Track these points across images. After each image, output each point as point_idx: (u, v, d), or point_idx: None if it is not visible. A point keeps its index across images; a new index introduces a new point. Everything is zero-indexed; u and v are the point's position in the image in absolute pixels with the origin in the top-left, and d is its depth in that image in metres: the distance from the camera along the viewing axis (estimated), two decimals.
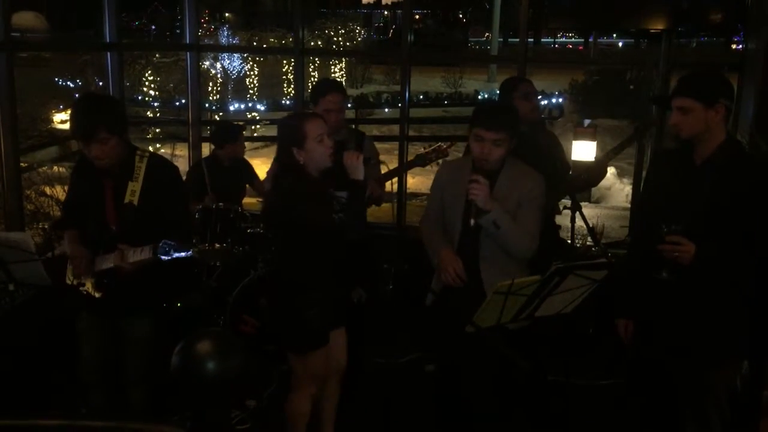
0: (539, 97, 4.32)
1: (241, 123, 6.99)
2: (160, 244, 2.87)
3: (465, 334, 2.70)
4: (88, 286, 3.08)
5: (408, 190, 6.13)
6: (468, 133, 3.13)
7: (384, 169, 4.10)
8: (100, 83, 8.63)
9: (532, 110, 3.92)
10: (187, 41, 5.90)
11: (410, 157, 4.76)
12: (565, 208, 4.35)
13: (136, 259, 2.92)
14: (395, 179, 4.55)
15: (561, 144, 4.25)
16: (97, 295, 3.06)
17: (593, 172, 4.07)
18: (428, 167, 4.42)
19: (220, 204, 4.52)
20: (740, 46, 6.87)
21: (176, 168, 3.31)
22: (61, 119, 9.96)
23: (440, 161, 4.10)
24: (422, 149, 4.36)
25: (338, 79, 19.52)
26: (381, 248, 5.16)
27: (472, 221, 2.99)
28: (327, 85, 4.09)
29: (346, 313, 3.32)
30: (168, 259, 2.89)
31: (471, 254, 3.11)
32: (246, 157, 5.22)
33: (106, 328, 3.20)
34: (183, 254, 2.90)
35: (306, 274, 3.13)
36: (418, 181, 9.58)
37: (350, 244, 3.26)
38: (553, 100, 15.48)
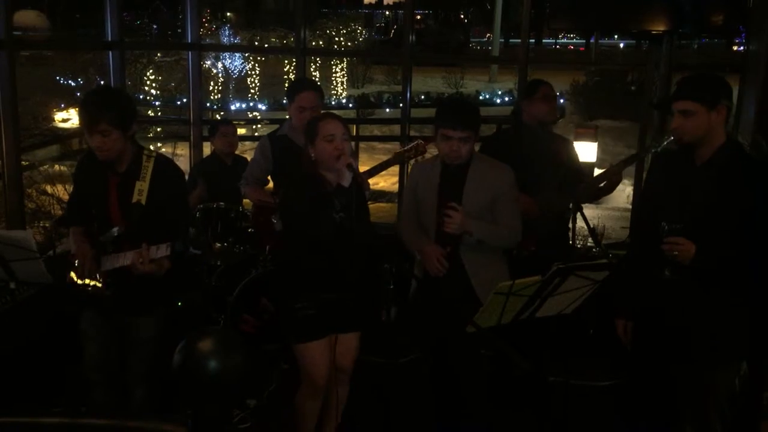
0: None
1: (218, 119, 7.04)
2: (178, 242, 2.87)
3: (455, 326, 2.74)
4: (95, 285, 3.07)
5: None
6: (434, 133, 3.27)
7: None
8: (102, 82, 8.63)
9: (549, 112, 3.97)
10: (189, 40, 5.91)
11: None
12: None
13: (155, 257, 2.92)
14: (393, 180, 4.55)
15: (571, 149, 4.19)
16: (107, 293, 3.05)
17: (608, 182, 3.94)
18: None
19: (221, 203, 4.53)
20: (741, 48, 6.86)
21: (180, 169, 3.33)
22: (63, 118, 9.97)
23: (418, 158, 4.12)
24: (402, 147, 4.38)
25: (339, 79, 19.66)
26: (381, 248, 5.15)
27: (448, 248, 3.18)
28: (302, 83, 4.16)
29: (360, 319, 3.30)
30: (183, 257, 2.89)
31: (449, 244, 3.24)
32: (247, 156, 5.24)
33: (111, 327, 3.20)
34: (198, 251, 2.91)
35: (301, 270, 3.16)
36: None
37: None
38: None
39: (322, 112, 3.58)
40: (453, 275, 3.23)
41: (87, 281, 3.08)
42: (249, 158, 5.24)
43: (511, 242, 3.30)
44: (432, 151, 4.16)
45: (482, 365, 3.28)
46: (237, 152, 5.25)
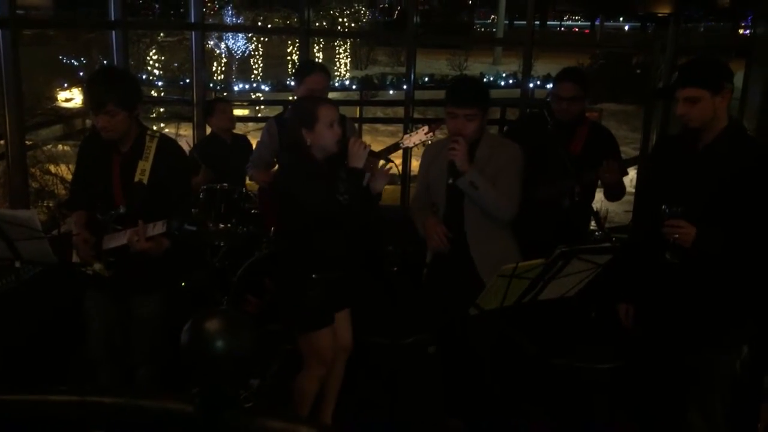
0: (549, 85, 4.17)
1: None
2: (173, 218, 2.87)
3: (460, 309, 2.74)
4: (96, 268, 3.07)
5: (412, 173, 6.14)
6: (445, 113, 3.27)
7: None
8: (105, 62, 8.62)
9: (560, 112, 3.79)
10: (192, 20, 5.88)
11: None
12: None
13: (151, 234, 2.93)
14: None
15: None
16: (106, 274, 3.07)
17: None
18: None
19: (224, 184, 4.53)
20: (747, 31, 6.81)
21: (183, 149, 3.32)
22: (66, 97, 9.97)
23: (428, 142, 4.12)
24: (408, 132, 4.38)
25: (343, 60, 19.58)
26: (385, 231, 5.17)
27: (450, 180, 3.15)
28: (311, 65, 4.21)
29: (352, 296, 3.34)
30: (179, 234, 2.89)
31: (456, 224, 3.24)
32: (250, 137, 5.23)
33: (114, 306, 3.22)
34: (193, 228, 2.90)
35: (307, 253, 3.16)
36: None
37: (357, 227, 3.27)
38: None
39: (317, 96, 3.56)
40: (459, 261, 3.22)
41: (87, 264, 3.09)
42: (250, 137, 5.24)
43: (503, 208, 3.18)
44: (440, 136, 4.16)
45: (488, 343, 3.25)
46: (240, 132, 5.24)
